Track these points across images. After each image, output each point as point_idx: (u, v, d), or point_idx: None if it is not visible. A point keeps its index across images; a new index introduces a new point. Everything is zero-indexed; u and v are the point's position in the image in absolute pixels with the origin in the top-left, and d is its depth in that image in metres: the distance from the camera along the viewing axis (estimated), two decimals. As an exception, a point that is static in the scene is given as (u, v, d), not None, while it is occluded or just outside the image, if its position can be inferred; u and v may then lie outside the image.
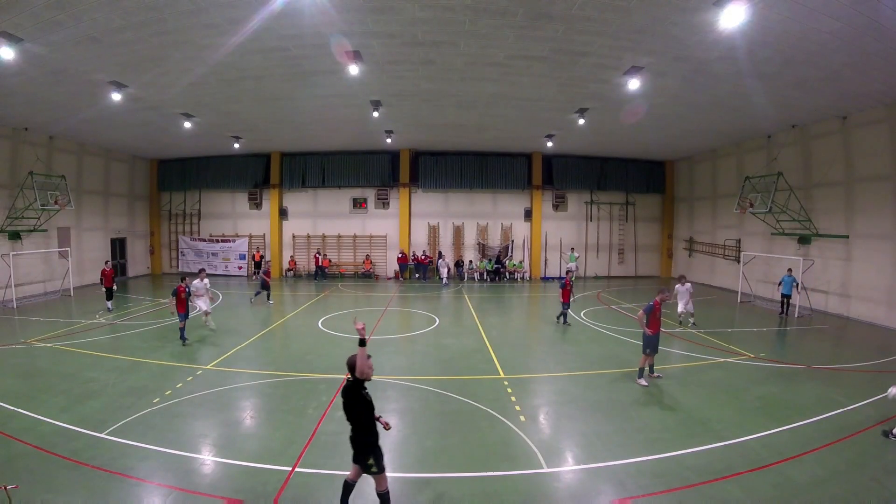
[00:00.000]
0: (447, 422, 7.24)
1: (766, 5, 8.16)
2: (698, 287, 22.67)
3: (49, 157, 19.16)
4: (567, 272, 14.86)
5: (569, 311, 13.96)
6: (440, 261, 24.27)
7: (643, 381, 8.85)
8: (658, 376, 9.17)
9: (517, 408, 7.71)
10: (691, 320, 13.99)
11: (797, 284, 15.41)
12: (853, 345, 12.60)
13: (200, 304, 12.75)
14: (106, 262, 17.09)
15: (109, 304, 15.68)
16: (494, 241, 25.76)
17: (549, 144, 21.52)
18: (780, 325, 14.66)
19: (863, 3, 7.98)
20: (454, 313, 16.67)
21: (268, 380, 9.12)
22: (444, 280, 23.80)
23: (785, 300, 15.90)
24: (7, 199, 17.35)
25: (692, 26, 9.23)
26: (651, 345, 8.87)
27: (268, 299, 17.65)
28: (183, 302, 11.36)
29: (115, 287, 16.31)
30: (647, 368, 9.05)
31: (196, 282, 12.70)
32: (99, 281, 16.34)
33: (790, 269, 15.98)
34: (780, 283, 15.99)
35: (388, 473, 5.77)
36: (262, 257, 25.17)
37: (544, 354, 11.41)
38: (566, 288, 13.59)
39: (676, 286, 13.85)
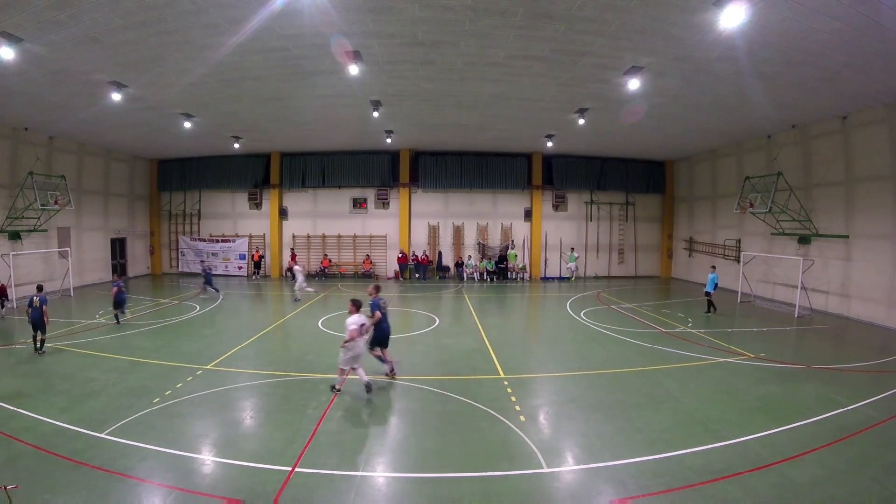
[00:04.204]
0: (447, 422, 7.24)
1: (766, 5, 8.16)
2: (697, 287, 22.73)
3: (49, 157, 19.15)
4: None
5: None
6: (295, 266, 19.10)
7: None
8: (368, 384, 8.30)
9: (517, 408, 7.71)
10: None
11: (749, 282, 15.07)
12: (853, 345, 12.59)
13: None
14: None
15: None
16: (494, 241, 25.74)
17: (549, 144, 21.50)
18: (706, 325, 14.16)
19: (863, 3, 7.98)
20: (454, 313, 16.67)
21: (268, 380, 9.12)
22: (297, 293, 18.18)
23: (707, 297, 15.85)
24: (7, 199, 17.33)
25: (692, 26, 9.23)
26: None
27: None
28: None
29: (8, 298, 15.24)
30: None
31: None
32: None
33: (714, 266, 16.51)
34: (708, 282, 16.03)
35: (389, 473, 5.82)
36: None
37: (544, 354, 11.40)
38: None
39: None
